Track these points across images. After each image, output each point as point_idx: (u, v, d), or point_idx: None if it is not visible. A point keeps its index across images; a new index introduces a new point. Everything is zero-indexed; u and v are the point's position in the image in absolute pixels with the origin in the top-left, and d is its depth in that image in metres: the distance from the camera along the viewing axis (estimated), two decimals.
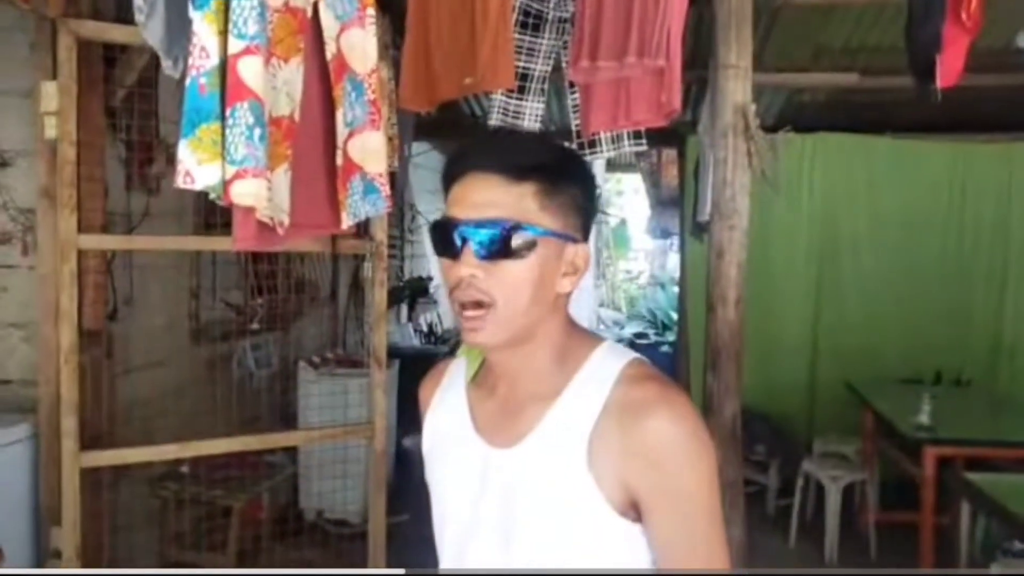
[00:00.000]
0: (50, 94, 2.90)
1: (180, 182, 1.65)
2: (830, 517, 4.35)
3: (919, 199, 5.56)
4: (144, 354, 3.67)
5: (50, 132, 2.93)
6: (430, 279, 7.51)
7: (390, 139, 4.01)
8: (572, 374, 1.05)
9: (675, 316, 10.23)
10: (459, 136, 5.57)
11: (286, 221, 1.75)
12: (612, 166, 13.96)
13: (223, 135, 1.60)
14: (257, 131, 1.60)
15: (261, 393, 4.39)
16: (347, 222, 2.04)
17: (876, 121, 5.59)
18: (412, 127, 4.60)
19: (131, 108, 3.32)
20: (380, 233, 3.42)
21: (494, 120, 3.01)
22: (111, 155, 3.31)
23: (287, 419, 4.65)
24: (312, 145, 1.90)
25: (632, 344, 8.93)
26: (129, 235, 3.39)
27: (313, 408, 4.43)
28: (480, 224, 0.99)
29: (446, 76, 2.38)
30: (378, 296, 3.45)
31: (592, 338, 1.10)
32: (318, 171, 1.94)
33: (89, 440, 3.01)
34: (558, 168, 1.05)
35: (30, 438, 3.05)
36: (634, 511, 1.00)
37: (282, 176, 1.74)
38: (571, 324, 1.10)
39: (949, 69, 2.72)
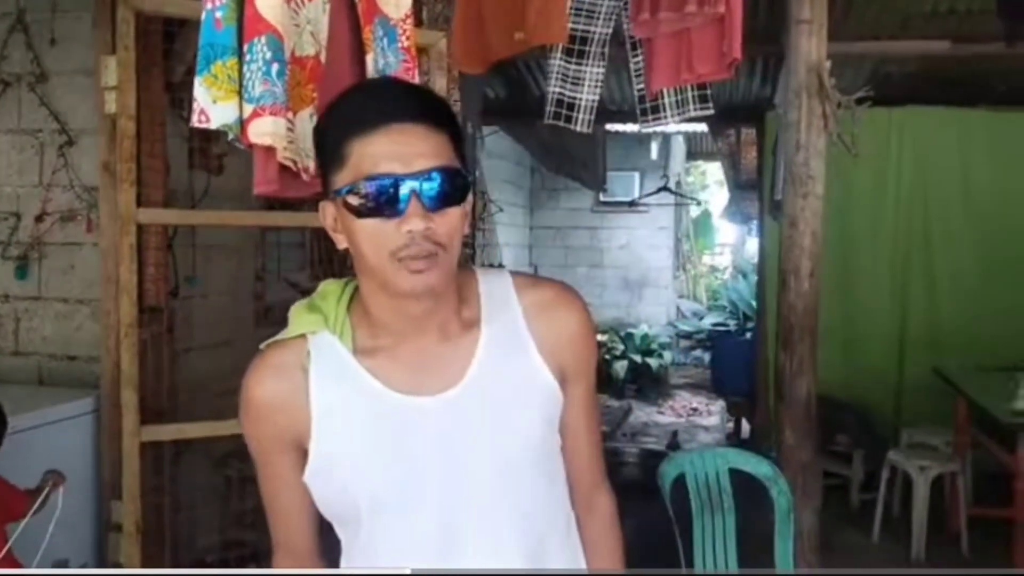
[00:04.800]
0: (110, 68, 2.92)
1: (195, 121, 1.60)
2: (917, 510, 4.09)
3: (1016, 176, 5.21)
4: (209, 333, 3.69)
5: (110, 107, 2.94)
6: (502, 266, 7.44)
7: None
8: (478, 302, 1.12)
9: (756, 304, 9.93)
10: (528, 117, 5.47)
11: (311, 167, 1.68)
12: (693, 154, 13.64)
13: (240, 72, 1.54)
14: (275, 67, 1.54)
15: None
16: None
17: (970, 93, 5.26)
18: (479, 104, 4.52)
19: (192, 85, 3.32)
20: None
21: (552, 87, 2.89)
22: (173, 133, 3.32)
23: None
24: (341, 91, 1.83)
25: (711, 335, 8.69)
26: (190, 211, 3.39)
27: None
28: (428, 175, 0.99)
29: (497, 32, 2.29)
30: None
31: (464, 269, 1.15)
32: None
33: (151, 415, 3.01)
34: (454, 117, 1.08)
35: (93, 412, 3.08)
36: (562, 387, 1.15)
37: (307, 120, 1.67)
38: None
39: None
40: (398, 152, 0.99)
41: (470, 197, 1.06)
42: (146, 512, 3.02)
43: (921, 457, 4.26)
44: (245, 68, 1.55)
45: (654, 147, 9.95)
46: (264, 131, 1.55)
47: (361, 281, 1.09)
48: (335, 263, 4.33)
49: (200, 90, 1.59)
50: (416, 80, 1.93)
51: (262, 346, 1.14)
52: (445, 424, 1.07)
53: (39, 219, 3.29)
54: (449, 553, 1.07)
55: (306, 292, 3.86)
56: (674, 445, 5.48)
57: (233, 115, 1.57)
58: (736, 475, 2.72)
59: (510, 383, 1.10)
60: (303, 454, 1.10)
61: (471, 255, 7.57)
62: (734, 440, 6.39)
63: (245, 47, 1.56)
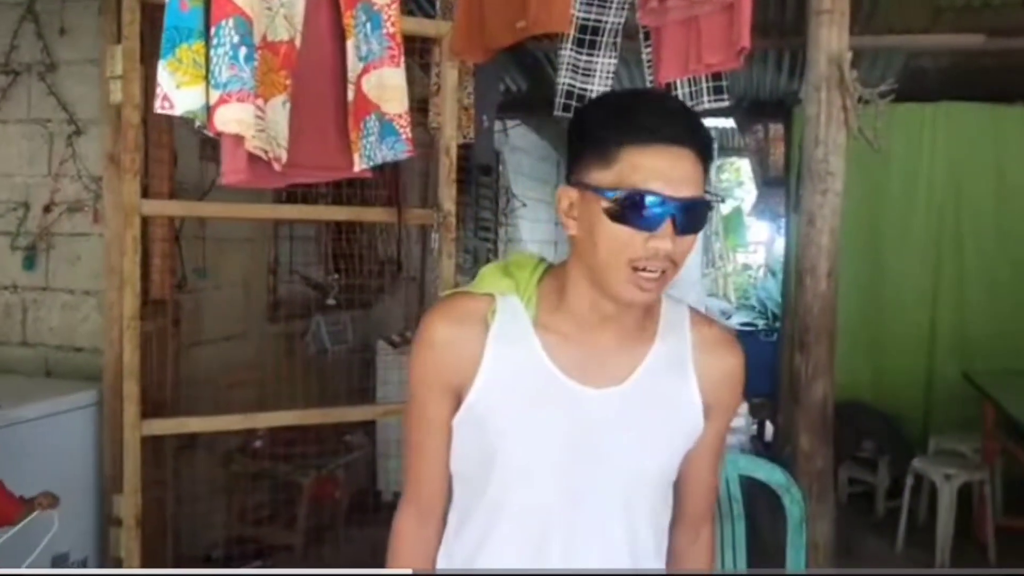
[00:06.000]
0: (115, 58, 2.88)
1: (158, 107, 1.54)
2: (942, 519, 3.95)
3: None
4: (219, 327, 3.66)
5: (115, 97, 2.90)
6: None
7: (465, 109, 3.89)
8: (656, 319, 1.19)
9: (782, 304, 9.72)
10: (548, 110, 5.36)
11: (283, 157, 1.62)
12: (725, 150, 13.41)
13: (207, 56, 1.48)
14: (243, 51, 1.48)
15: (338, 370, 4.33)
16: (360, 165, 1.88)
17: (1006, 88, 5.08)
18: (496, 96, 4.44)
19: None
20: (448, 203, 3.27)
21: (562, 78, 2.81)
22: (182, 124, 3.27)
23: (364, 398, 4.58)
24: (319, 78, 1.76)
25: (739, 335, 8.52)
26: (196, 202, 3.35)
27: (392, 385, 4.35)
28: (689, 203, 1.05)
29: (498, 20, 2.21)
30: (445, 269, 3.30)
31: None
32: (326, 107, 1.80)
33: (153, 409, 2.98)
34: (713, 148, 1.16)
35: (95, 405, 3.06)
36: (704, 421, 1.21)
37: (279, 107, 1.61)
38: None
39: None
40: (669, 174, 1.04)
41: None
42: (148, 507, 2.99)
43: (947, 465, 4.12)
44: (212, 52, 1.49)
45: None
46: (230, 118, 1.49)
47: (574, 267, 1.14)
48: (344, 258, 4.29)
49: (164, 75, 1.53)
50: (402, 67, 1.87)
51: (444, 294, 1.23)
52: (596, 417, 1.13)
53: (47, 209, 3.28)
54: (558, 537, 1.14)
55: (317, 287, 3.79)
56: None
57: (199, 101, 1.51)
58: (748, 481, 2.62)
59: (665, 401, 1.17)
60: (457, 402, 1.16)
61: (492, 250, 7.51)
62: (758, 443, 6.25)
63: (212, 30, 1.49)
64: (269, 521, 3.73)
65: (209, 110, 1.50)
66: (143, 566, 2.96)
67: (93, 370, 3.22)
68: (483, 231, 7.27)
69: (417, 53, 3.44)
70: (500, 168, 7.41)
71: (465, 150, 3.80)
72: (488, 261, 7.11)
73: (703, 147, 1.08)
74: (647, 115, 1.06)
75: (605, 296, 1.11)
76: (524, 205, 7.70)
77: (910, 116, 5.01)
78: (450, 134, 3.24)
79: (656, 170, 1.04)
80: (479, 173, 6.81)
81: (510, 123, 6.74)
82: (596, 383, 1.14)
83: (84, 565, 3.01)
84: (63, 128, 3.26)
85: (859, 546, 4.20)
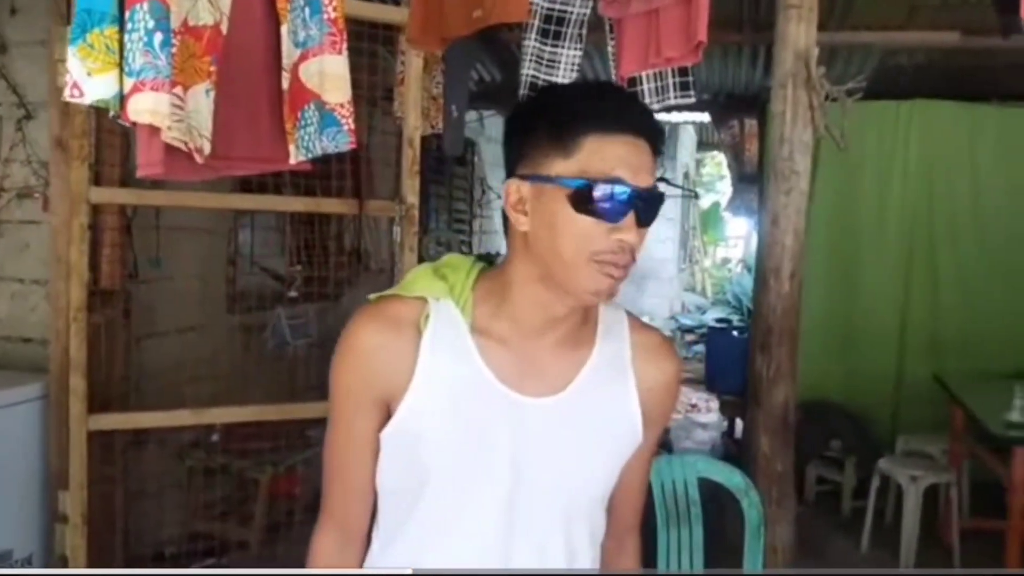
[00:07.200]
0: (63, 39, 2.78)
1: (67, 95, 1.47)
2: (907, 521, 3.94)
3: None
4: (174, 319, 3.57)
5: (63, 79, 2.82)
6: (497, 255, 7.29)
7: (434, 99, 3.81)
8: (594, 325, 1.15)
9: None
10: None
11: (206, 148, 1.54)
12: (705, 144, 13.40)
13: (121, 42, 1.40)
14: (158, 36, 1.40)
15: (299, 364, 4.25)
16: (296, 157, 1.80)
17: (981, 87, 5.06)
18: (466, 87, 4.36)
19: None
20: (411, 195, 3.20)
21: (526, 69, 2.74)
22: None
23: (327, 393, 4.49)
24: (250, 65, 1.68)
25: (711, 331, 8.52)
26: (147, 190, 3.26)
27: None
28: (650, 193, 1.03)
29: (455, 9, 2.14)
30: (408, 262, 3.23)
31: None
32: (258, 96, 1.72)
33: (102, 403, 2.90)
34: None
35: (41, 398, 2.97)
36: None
37: (202, 96, 1.53)
38: None
39: None
40: (631, 162, 1.02)
41: None
42: (97, 503, 2.91)
43: (913, 466, 4.10)
44: (126, 37, 1.41)
45: None
46: (143, 107, 1.41)
47: (521, 266, 1.08)
48: (308, 250, 4.21)
49: (74, 61, 1.45)
50: (345, 55, 1.79)
51: (371, 297, 1.14)
52: (535, 427, 1.09)
53: None
54: (495, 555, 1.09)
55: (279, 279, 3.69)
56: (664, 444, 5.33)
57: (111, 89, 1.43)
58: (712, 483, 2.58)
59: (605, 408, 1.13)
60: (385, 415, 1.10)
61: (467, 241, 7.45)
62: (729, 440, 6.23)
63: (127, 14, 1.41)
64: (224, 517, 3.65)
65: (122, 99, 1.43)
66: (91, 564, 2.89)
67: (42, 362, 3.12)
68: (457, 223, 7.21)
69: (382, 40, 3.37)
70: (475, 159, 7.35)
71: (437, 140, 3.73)
72: (462, 253, 7.06)
73: (657, 140, 1.06)
74: (610, 104, 1.04)
75: (563, 294, 1.06)
76: (499, 197, 7.63)
77: (884, 113, 4.99)
78: (413, 124, 3.17)
79: (620, 158, 1.02)
80: (454, 164, 6.74)
81: (485, 113, 6.66)
82: (534, 392, 1.10)
83: (29, 563, 2.93)
84: (13, 112, 3.16)
85: (824, 545, 4.19)
